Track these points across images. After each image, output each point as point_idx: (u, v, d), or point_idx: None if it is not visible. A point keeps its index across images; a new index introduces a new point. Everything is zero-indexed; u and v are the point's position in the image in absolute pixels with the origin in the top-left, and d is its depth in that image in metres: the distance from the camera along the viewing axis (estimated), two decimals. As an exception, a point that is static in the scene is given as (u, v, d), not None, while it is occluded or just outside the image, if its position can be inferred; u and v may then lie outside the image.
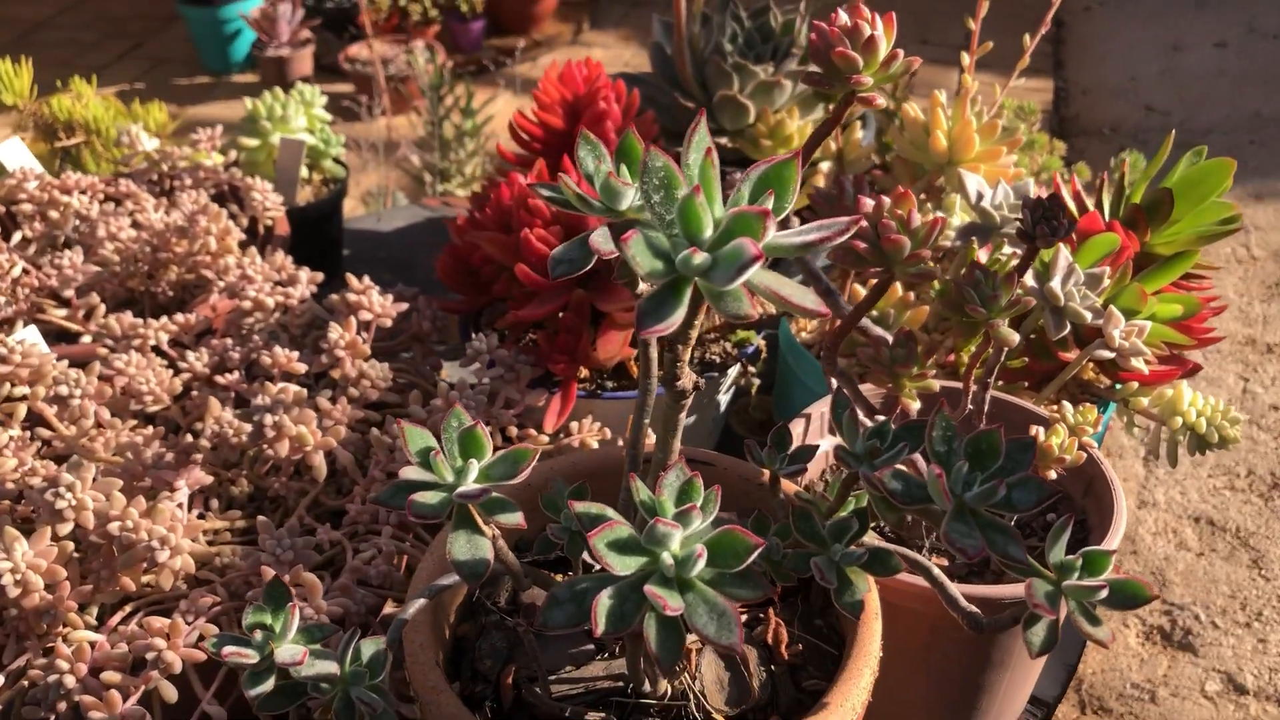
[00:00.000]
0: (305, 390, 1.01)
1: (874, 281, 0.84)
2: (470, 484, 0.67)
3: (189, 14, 4.59)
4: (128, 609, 0.90)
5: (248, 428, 0.95)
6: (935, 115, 1.42)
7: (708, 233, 0.51)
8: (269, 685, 0.67)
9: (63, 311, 1.25)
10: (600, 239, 0.65)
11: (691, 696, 0.80)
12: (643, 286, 0.54)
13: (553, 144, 1.28)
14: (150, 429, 1.01)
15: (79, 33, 5.12)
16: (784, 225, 0.61)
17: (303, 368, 1.05)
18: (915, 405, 0.91)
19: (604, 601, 0.61)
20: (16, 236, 1.38)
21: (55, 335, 1.27)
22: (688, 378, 0.63)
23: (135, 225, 1.37)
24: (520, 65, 4.50)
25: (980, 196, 1.29)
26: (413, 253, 1.73)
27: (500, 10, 4.66)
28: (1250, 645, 2.50)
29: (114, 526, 0.86)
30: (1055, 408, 1.22)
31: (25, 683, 0.85)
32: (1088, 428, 0.95)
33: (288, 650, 0.67)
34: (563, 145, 1.27)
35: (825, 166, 1.48)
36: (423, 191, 3.21)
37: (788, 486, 0.87)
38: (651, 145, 0.51)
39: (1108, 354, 1.16)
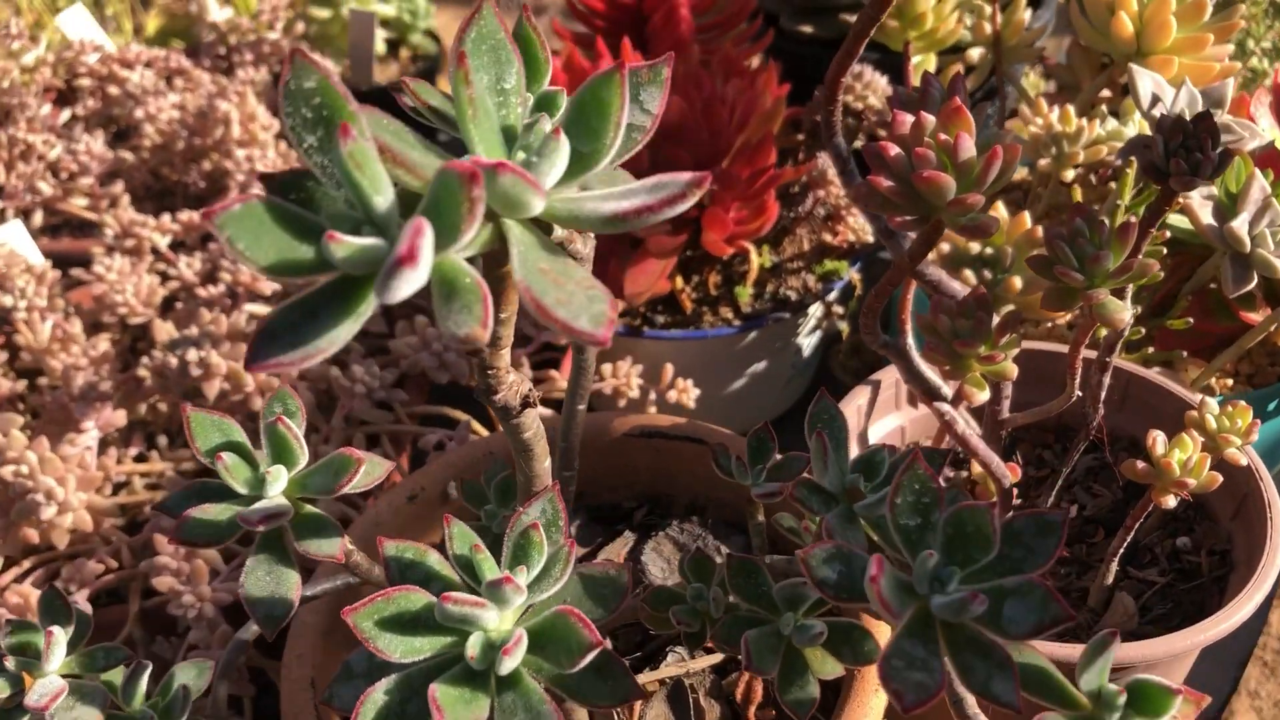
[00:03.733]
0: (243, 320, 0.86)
1: (918, 228, 0.60)
2: (275, 498, 0.50)
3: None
4: (27, 564, 0.78)
5: (173, 362, 0.81)
6: (1122, -10, 1.11)
7: (383, 201, 0.30)
8: (17, 732, 0.52)
9: (83, 201, 1.14)
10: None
11: (624, 761, 0.62)
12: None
13: (620, 21, 1.06)
14: (103, 349, 0.89)
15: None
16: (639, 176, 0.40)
17: (269, 288, 0.90)
18: (983, 395, 0.67)
19: (376, 698, 0.43)
20: (65, 114, 1.28)
21: (75, 226, 1.17)
22: (510, 390, 0.43)
23: (182, 107, 1.24)
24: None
25: (1155, 100, 0.99)
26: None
27: None
28: None
29: (8, 471, 0.74)
30: (1246, 388, 0.95)
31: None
32: (1233, 437, 0.68)
33: (41, 688, 0.52)
34: (631, 23, 1.05)
35: (976, 54, 1.19)
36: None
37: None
38: (296, 50, 0.31)
39: (1303, 321, 0.87)
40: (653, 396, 0.93)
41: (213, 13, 1.38)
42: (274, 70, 1.33)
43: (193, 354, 0.79)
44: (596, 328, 0.32)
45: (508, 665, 0.42)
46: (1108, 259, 0.62)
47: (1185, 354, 0.94)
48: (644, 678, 0.65)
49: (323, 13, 1.40)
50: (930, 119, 0.57)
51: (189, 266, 0.99)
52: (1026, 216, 0.94)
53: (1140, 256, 0.63)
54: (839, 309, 1.02)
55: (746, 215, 0.95)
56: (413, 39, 1.47)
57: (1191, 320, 0.92)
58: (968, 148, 0.55)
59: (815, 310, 1.01)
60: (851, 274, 1.02)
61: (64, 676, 0.54)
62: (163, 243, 1.03)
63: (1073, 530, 0.82)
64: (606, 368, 0.95)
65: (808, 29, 1.30)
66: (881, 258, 1.15)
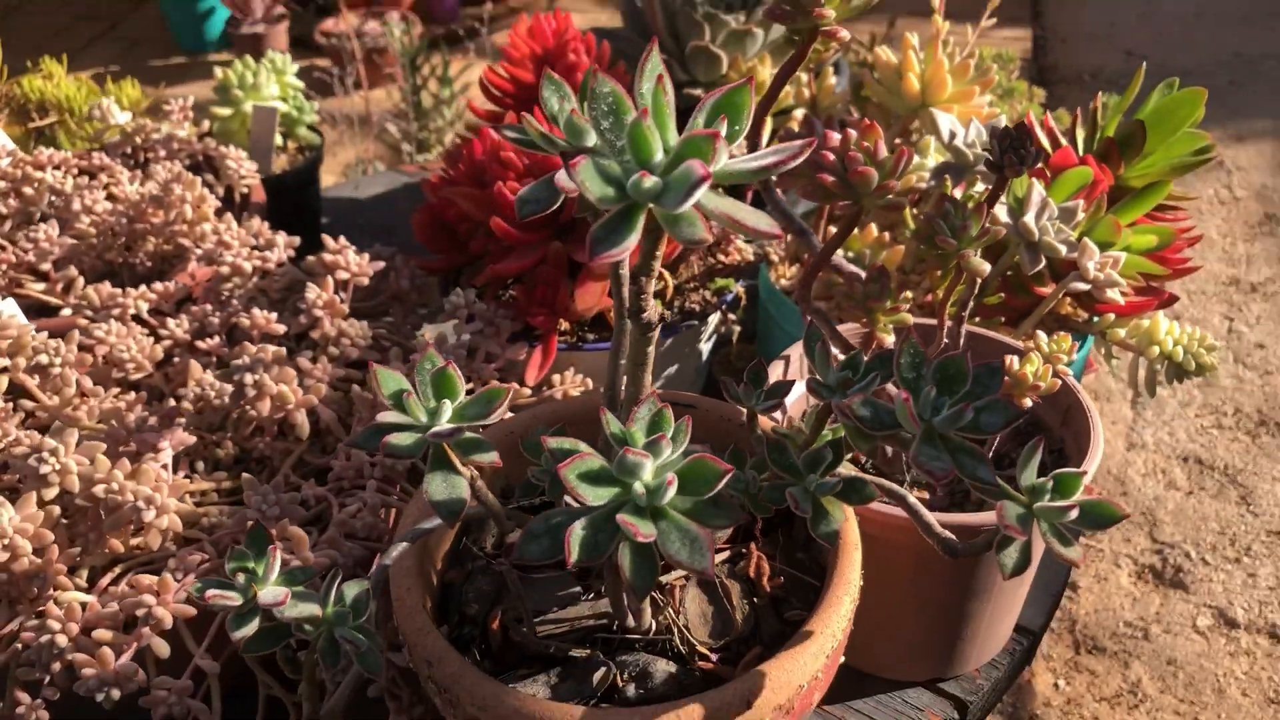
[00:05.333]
0: (285, 351, 1.01)
1: (844, 216, 0.85)
2: (444, 424, 0.68)
3: (162, -6, 4.56)
4: (117, 570, 0.90)
5: (229, 388, 0.95)
6: (907, 58, 1.42)
7: (658, 157, 0.51)
8: (253, 627, 0.68)
9: (40, 285, 1.25)
10: (565, 177, 0.66)
11: (675, 630, 0.81)
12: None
13: (523, 99, 1.28)
14: (133, 395, 1.02)
15: (51, 16, 5.07)
16: (743, 152, 0.61)
17: (281, 328, 1.06)
18: (889, 339, 0.92)
19: (577, 532, 0.62)
20: (-7, 213, 1.38)
21: (35, 310, 1.27)
22: (653, 310, 0.64)
23: (110, 198, 1.36)
24: (497, 34, 4.48)
25: (953, 135, 1.29)
26: (391, 218, 1.73)
27: (476, -22, 4.63)
28: (1240, 580, 2.53)
29: (99, 489, 0.87)
30: (1030, 340, 1.23)
31: (19, 645, 0.86)
32: (1062, 355, 0.96)
33: (270, 592, 0.68)
34: (533, 100, 1.27)
35: (799, 114, 1.48)
36: (402, 162, 3.20)
37: (765, 423, 0.88)
38: (599, 71, 0.52)
39: (1083, 286, 1.16)
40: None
41: (116, 117, 1.51)
42: (185, 162, 1.47)
43: (249, 377, 0.94)
44: (771, 227, 0.53)
45: (669, 494, 0.62)
46: (972, 227, 0.88)
47: (1002, 321, 1.23)
48: (671, 577, 0.85)
49: (224, 111, 1.55)
50: (853, 133, 0.81)
51: (179, 326, 1.12)
52: (873, 227, 1.21)
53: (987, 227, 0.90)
54: (732, 316, 1.26)
55: (659, 243, 1.18)
56: (299, 131, 1.63)
57: (1002, 295, 1.21)
58: (883, 150, 0.80)
59: (714, 318, 1.24)
60: (738, 288, 1.26)
61: (276, 589, 0.69)
62: (144, 309, 1.16)
63: (946, 453, 1.07)
64: (556, 377, 1.14)
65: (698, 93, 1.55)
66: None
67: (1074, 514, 0.67)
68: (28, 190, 1.39)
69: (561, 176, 0.67)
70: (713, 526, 0.65)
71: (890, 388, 0.80)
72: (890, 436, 0.67)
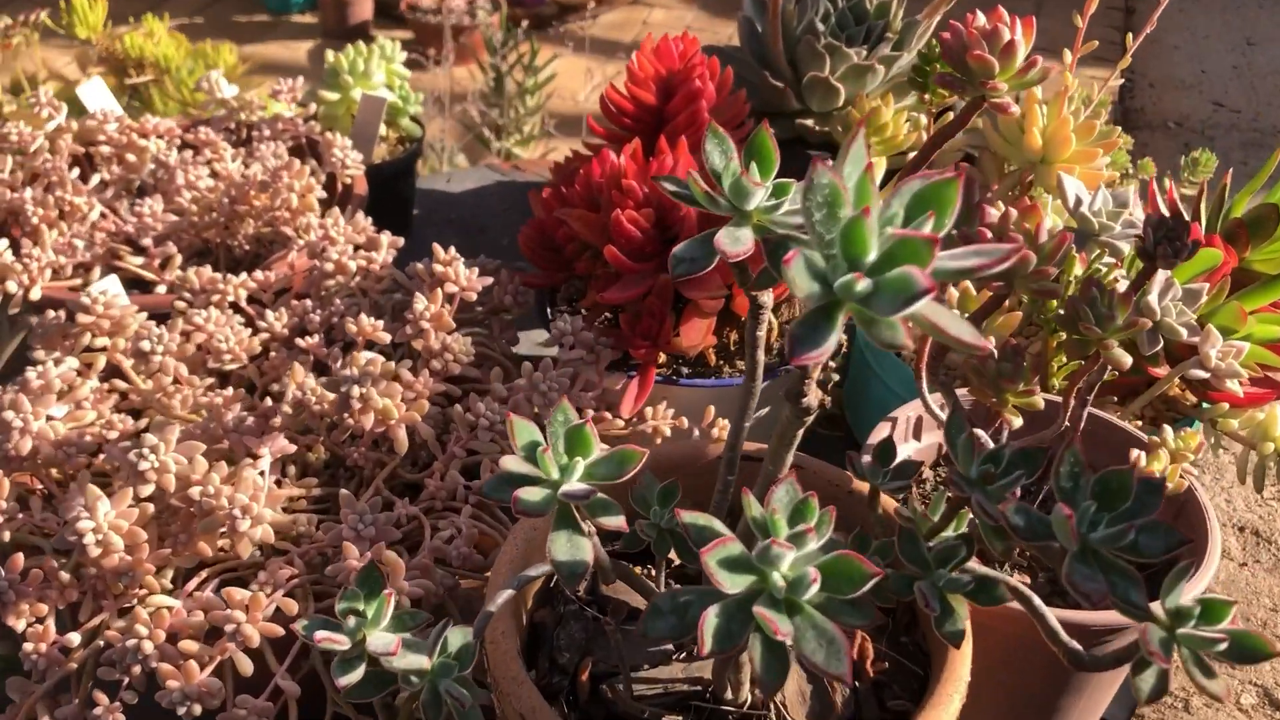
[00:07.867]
0: (393, 365, 0.99)
1: (989, 295, 0.81)
2: (575, 483, 0.66)
3: (253, -49, 4.56)
4: (203, 575, 0.89)
5: (330, 396, 0.93)
6: (1031, 112, 1.38)
7: (870, 256, 0.48)
8: (359, 674, 0.65)
9: (139, 260, 1.24)
10: (726, 240, 0.63)
11: (773, 707, 0.78)
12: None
13: (644, 120, 1.25)
14: (229, 389, 1.00)
15: (141, -35, 5.09)
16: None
17: (386, 337, 1.04)
18: (1017, 421, 0.88)
19: (711, 620, 0.59)
20: (95, 179, 1.37)
21: (130, 283, 1.26)
22: (813, 395, 0.61)
23: (213, 175, 1.35)
24: (580, 23, 4.46)
25: (1079, 202, 1.25)
26: (483, 217, 1.71)
27: (565, -35, 4.60)
28: (1292, 662, 2.46)
29: (195, 491, 0.86)
30: (1150, 428, 1.19)
31: (100, 642, 0.84)
32: (1189, 454, 0.92)
33: (381, 639, 0.66)
34: (654, 122, 1.24)
35: (911, 158, 1.44)
36: (478, 145, 3.18)
37: (887, 503, 0.85)
38: (818, 161, 0.49)
39: (1202, 373, 1.12)
40: (696, 434, 1.11)
41: (223, 91, 1.49)
42: (288, 144, 1.45)
43: (355, 390, 0.92)
44: (977, 339, 0.50)
45: (812, 591, 0.59)
46: (1118, 316, 0.84)
47: (1114, 400, 1.19)
48: (772, 644, 0.82)
49: (331, 95, 1.53)
50: (1014, 212, 0.78)
51: (277, 320, 1.11)
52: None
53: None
54: (832, 364, 1.23)
55: (769, 284, 1.15)
56: (402, 122, 1.61)
57: (1117, 373, 1.17)
58: (1044, 234, 0.77)
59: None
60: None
61: (383, 634, 0.67)
62: (244, 297, 1.14)
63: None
64: (649, 410, 1.12)
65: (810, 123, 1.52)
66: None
67: (1223, 645, 0.64)
68: (130, 158, 1.38)
69: (720, 237, 0.65)
70: (848, 626, 0.62)
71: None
72: (1038, 547, 0.64)
